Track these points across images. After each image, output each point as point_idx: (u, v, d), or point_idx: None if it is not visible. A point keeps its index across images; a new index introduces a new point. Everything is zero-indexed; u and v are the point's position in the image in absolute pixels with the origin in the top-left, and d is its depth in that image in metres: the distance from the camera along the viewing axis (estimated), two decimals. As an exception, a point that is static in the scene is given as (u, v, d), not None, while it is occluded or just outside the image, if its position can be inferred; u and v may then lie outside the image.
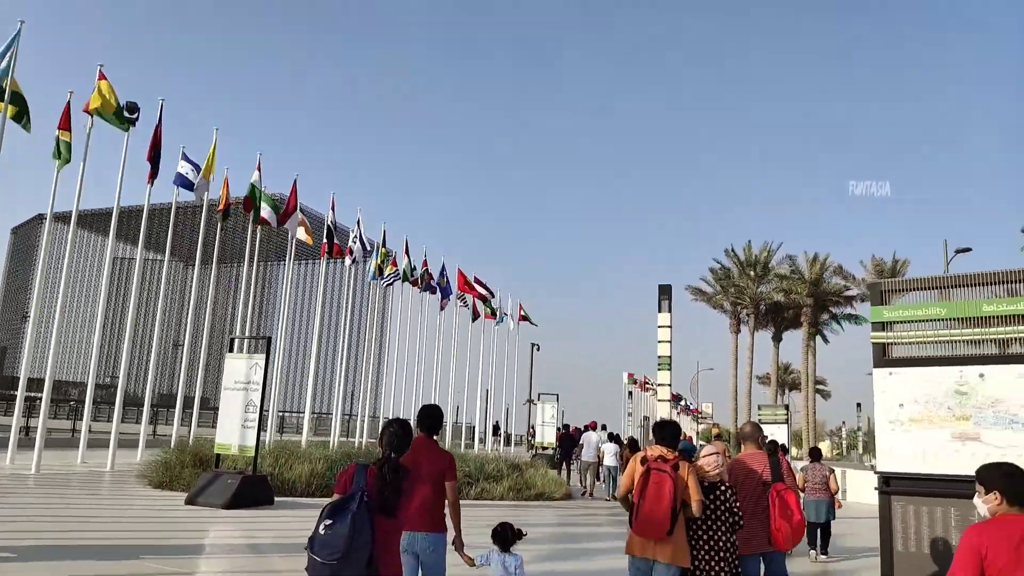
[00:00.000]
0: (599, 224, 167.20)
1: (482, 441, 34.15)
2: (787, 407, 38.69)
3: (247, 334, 20.49)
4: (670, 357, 29.34)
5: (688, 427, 59.25)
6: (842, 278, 48.63)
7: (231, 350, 12.99)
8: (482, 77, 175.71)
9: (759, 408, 37.49)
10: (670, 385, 30.48)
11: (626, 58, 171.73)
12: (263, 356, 12.48)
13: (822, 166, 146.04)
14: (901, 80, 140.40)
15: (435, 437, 5.04)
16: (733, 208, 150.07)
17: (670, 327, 29.09)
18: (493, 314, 31.47)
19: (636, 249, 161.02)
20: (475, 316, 30.13)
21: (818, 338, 51.05)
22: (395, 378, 28.41)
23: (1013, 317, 6.74)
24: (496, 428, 38.01)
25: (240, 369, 12.56)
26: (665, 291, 29.60)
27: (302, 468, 13.97)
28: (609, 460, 19.30)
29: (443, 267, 28.62)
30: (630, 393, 48.75)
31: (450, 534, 4.90)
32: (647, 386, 54.57)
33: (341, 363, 24.35)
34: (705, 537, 5.19)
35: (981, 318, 6.87)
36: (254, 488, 12.25)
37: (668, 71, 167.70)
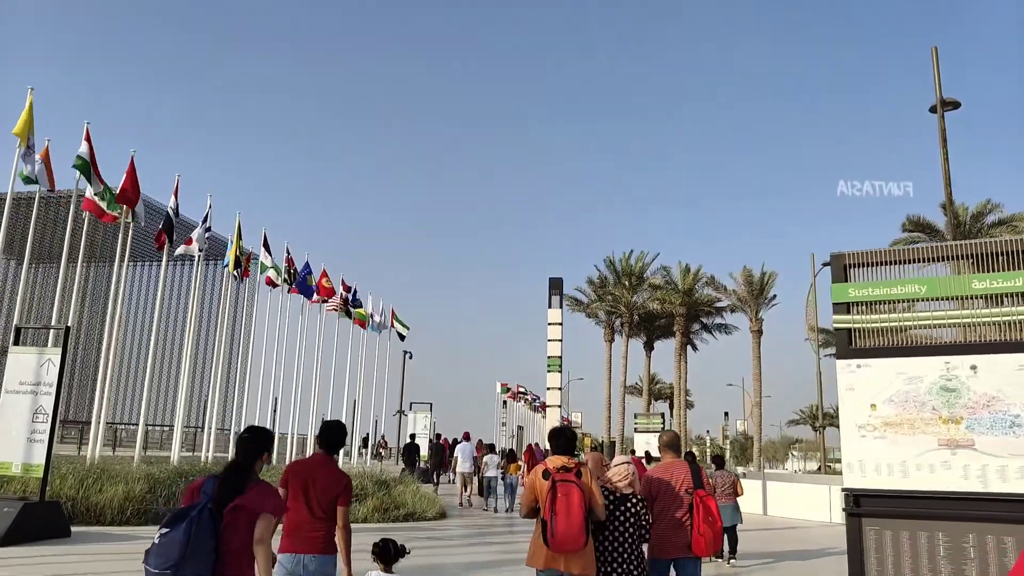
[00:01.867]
0: (478, 229, 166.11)
1: (348, 455, 31.61)
2: (662, 415, 38.52)
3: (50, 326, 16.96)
4: (560, 357, 27.13)
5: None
6: (713, 289, 49.37)
7: (16, 342, 10.14)
8: (357, 69, 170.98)
9: (635, 417, 36.91)
10: (560, 388, 28.39)
11: (513, 54, 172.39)
12: (59, 351, 9.77)
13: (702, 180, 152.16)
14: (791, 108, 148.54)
15: (335, 456, 4.86)
16: (610, 220, 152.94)
17: (561, 324, 26.89)
18: (363, 320, 28.92)
19: (515, 258, 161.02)
20: (348, 315, 27.48)
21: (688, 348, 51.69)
22: (250, 386, 25.38)
23: (1011, 296, 5.49)
24: (365, 441, 35.47)
25: (28, 366, 9.77)
26: (556, 285, 27.21)
27: (115, 490, 11.28)
28: (491, 472, 18.53)
29: (307, 263, 25.83)
30: (504, 403, 47.37)
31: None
32: (520, 395, 53.64)
33: (185, 369, 21.23)
34: (614, 548, 5.19)
35: (971, 297, 5.59)
36: (41, 517, 9.62)
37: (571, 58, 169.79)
